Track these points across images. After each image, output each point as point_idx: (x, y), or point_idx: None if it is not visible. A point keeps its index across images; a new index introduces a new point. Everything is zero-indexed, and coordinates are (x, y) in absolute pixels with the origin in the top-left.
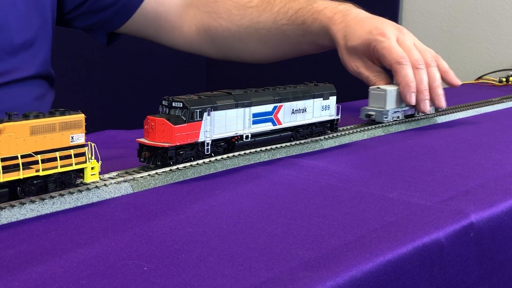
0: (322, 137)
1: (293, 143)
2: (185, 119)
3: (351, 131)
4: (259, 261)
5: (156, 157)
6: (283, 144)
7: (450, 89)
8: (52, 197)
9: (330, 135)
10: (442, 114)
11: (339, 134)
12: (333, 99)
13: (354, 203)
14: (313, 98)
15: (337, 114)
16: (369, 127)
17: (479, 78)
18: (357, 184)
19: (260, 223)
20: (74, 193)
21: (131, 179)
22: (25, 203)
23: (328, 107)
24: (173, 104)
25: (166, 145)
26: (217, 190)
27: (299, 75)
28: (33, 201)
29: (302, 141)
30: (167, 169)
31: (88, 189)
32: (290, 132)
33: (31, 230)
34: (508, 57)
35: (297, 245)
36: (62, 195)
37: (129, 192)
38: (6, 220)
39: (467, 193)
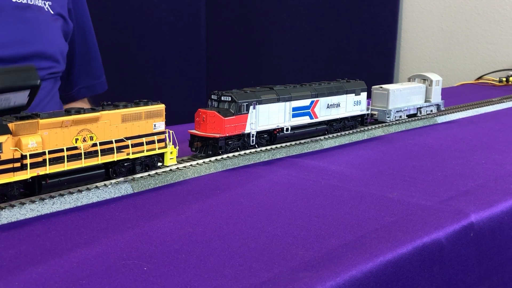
0: (322, 137)
1: (293, 143)
2: (233, 112)
3: (351, 131)
4: (259, 261)
5: (207, 147)
6: (283, 144)
7: (450, 89)
8: (52, 197)
9: (330, 135)
10: (442, 114)
11: (339, 134)
12: (364, 95)
13: (354, 203)
14: (346, 93)
15: (367, 110)
16: (369, 127)
17: (479, 78)
18: (357, 184)
19: (260, 223)
20: (74, 193)
21: (131, 179)
22: (25, 203)
23: (360, 103)
24: (222, 98)
25: (217, 135)
26: (217, 190)
27: (298, 75)
28: (33, 201)
29: (302, 141)
30: (167, 169)
31: (88, 189)
32: (325, 126)
33: (31, 230)
34: (508, 57)
35: (297, 245)
36: (62, 195)
37: (129, 192)
38: (6, 220)
39: (467, 193)
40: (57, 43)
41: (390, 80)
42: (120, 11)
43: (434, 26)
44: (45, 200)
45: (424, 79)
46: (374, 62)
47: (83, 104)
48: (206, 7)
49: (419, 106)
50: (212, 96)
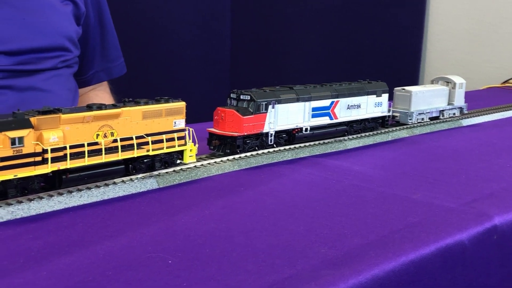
0: (345, 137)
1: (316, 142)
2: (252, 111)
3: (375, 132)
4: (281, 257)
5: (226, 145)
6: (307, 144)
7: (476, 92)
8: (79, 190)
9: (354, 136)
10: (467, 117)
11: (362, 135)
12: (385, 97)
13: (377, 204)
14: (367, 95)
15: (388, 111)
16: (394, 129)
17: (505, 82)
18: (381, 184)
19: (283, 220)
20: (100, 186)
21: (157, 175)
22: (53, 195)
23: (381, 104)
24: (241, 96)
25: (235, 134)
26: (241, 187)
27: (321, 75)
28: (61, 194)
29: (325, 141)
30: (192, 165)
31: (114, 183)
32: (345, 127)
33: (58, 222)
34: None
35: (319, 243)
36: (89, 188)
37: (155, 187)
38: (35, 211)
39: (491, 196)
40: (65, 31)
41: (415, 82)
42: (145, 9)
43: (460, 29)
44: (72, 193)
45: (448, 81)
46: (399, 65)
47: (102, 90)
48: (232, 6)
49: (441, 109)
50: (231, 95)
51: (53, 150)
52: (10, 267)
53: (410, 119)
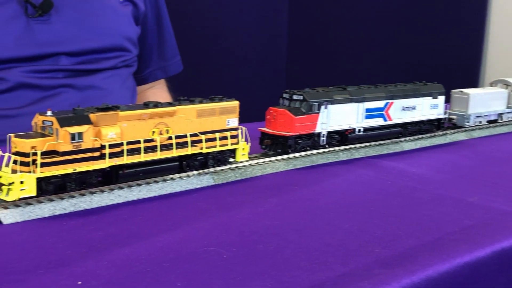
0: (402, 139)
1: (372, 143)
2: (304, 111)
3: (432, 134)
4: (335, 256)
5: (277, 145)
6: (362, 144)
7: None
8: (139, 185)
9: (411, 137)
10: None
11: (419, 136)
12: (441, 99)
13: (432, 206)
14: (422, 96)
15: (445, 114)
16: (451, 131)
17: None
18: (437, 186)
19: (337, 219)
20: (159, 182)
21: (213, 172)
22: (114, 189)
23: (437, 106)
24: (294, 97)
25: (287, 134)
26: (295, 186)
27: (374, 77)
28: (121, 188)
29: (381, 142)
30: (247, 163)
31: (172, 179)
32: (400, 129)
33: (118, 215)
34: None
35: (373, 242)
36: (148, 183)
37: (210, 184)
38: (97, 204)
39: None
40: (125, 32)
41: (474, 85)
42: (202, 8)
43: None
44: (132, 187)
45: (507, 84)
46: (458, 67)
47: (160, 88)
48: (289, 6)
49: (500, 112)
50: (284, 95)
51: (110, 146)
52: (73, 256)
53: (467, 122)
